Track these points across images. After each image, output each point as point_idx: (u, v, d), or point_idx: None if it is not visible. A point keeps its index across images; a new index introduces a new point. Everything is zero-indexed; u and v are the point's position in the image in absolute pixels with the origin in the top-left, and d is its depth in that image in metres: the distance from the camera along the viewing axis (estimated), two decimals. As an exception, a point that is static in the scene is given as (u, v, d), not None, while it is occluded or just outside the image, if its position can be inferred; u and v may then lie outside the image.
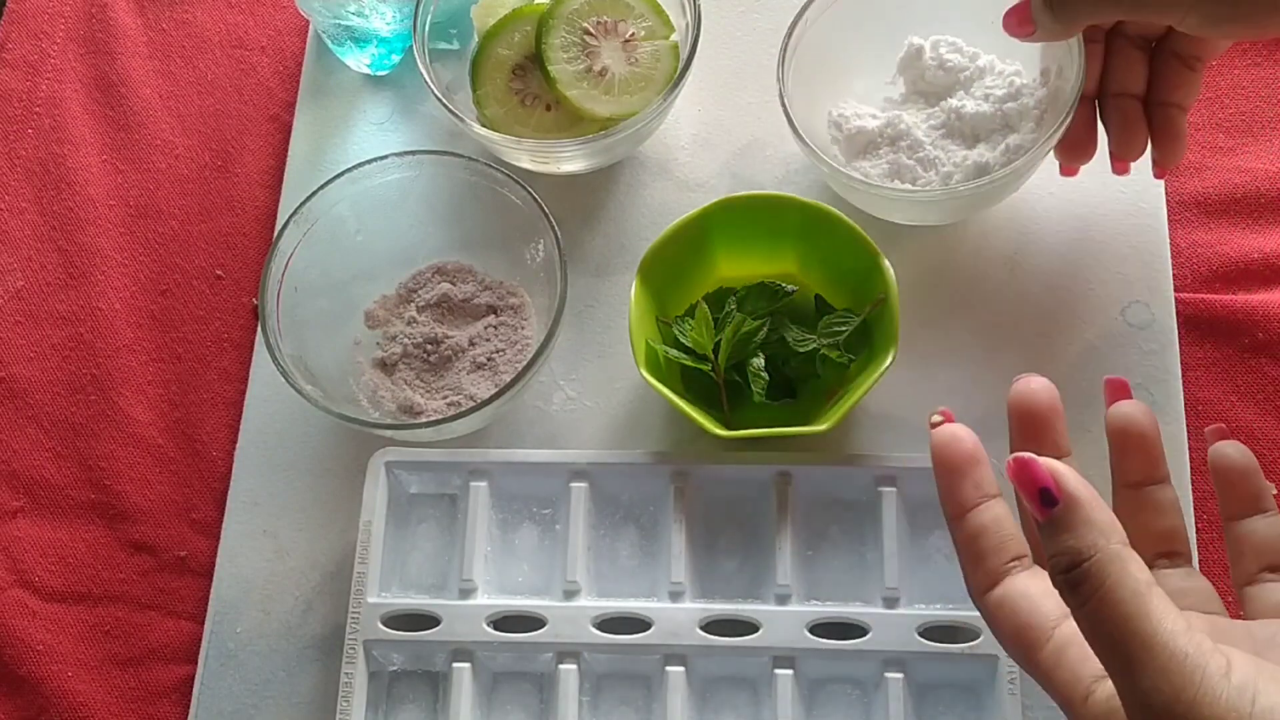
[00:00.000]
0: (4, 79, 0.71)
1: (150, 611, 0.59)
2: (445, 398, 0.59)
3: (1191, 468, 0.57)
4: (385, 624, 0.53)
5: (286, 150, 0.68)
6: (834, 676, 0.53)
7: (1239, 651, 0.31)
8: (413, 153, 0.59)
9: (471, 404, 0.58)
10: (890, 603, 0.53)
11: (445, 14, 0.65)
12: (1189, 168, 0.64)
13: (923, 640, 0.52)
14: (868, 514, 0.55)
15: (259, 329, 0.60)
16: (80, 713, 0.57)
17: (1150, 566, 0.37)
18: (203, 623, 0.58)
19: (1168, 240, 0.62)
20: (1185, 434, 0.58)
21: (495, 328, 0.61)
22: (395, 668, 0.55)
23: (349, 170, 0.58)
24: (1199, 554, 0.56)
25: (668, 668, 0.52)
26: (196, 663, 0.57)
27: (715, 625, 0.53)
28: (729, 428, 0.54)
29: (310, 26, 0.71)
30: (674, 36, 0.62)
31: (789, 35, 0.59)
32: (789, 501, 0.54)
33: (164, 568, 0.60)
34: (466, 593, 0.54)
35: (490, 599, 0.54)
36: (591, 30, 0.60)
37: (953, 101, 0.61)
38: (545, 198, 0.57)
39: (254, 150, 0.69)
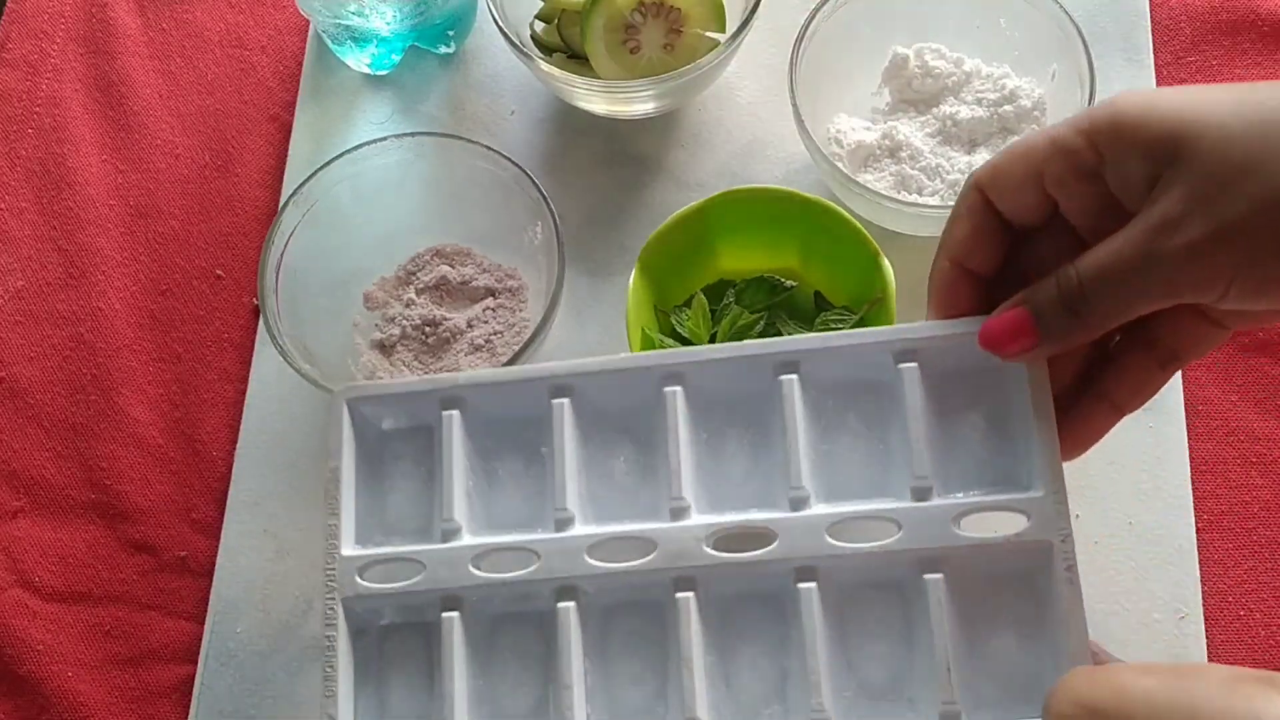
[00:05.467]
0: (4, 79, 0.71)
1: (150, 611, 0.59)
2: (443, 380, 0.60)
3: (1192, 467, 0.57)
4: (364, 577, 0.47)
5: (286, 150, 0.68)
6: (865, 582, 0.45)
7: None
8: (412, 134, 0.60)
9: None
10: (921, 495, 0.44)
11: (444, 17, 0.65)
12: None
13: (962, 533, 0.43)
14: (888, 397, 0.46)
15: (259, 312, 0.60)
16: (80, 713, 0.57)
17: None
18: (203, 623, 0.58)
19: (1168, 240, 0.62)
20: (1185, 434, 0.58)
21: (493, 310, 0.61)
22: (385, 622, 0.48)
23: (349, 152, 0.59)
24: (1199, 554, 0.55)
25: (677, 593, 0.45)
26: (196, 663, 0.57)
27: (726, 540, 0.45)
28: None
29: (310, 26, 0.71)
30: (718, 35, 0.62)
31: (794, 53, 0.59)
32: (797, 392, 0.46)
33: (164, 568, 0.60)
34: (449, 534, 0.47)
35: (476, 538, 0.48)
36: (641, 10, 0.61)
37: (944, 108, 0.61)
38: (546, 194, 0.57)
39: (254, 150, 0.69)
